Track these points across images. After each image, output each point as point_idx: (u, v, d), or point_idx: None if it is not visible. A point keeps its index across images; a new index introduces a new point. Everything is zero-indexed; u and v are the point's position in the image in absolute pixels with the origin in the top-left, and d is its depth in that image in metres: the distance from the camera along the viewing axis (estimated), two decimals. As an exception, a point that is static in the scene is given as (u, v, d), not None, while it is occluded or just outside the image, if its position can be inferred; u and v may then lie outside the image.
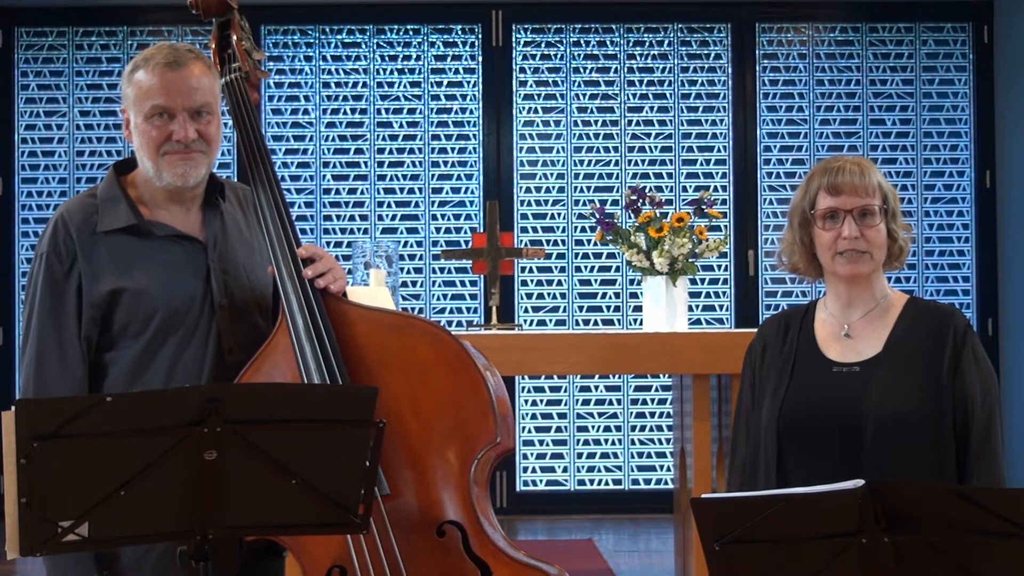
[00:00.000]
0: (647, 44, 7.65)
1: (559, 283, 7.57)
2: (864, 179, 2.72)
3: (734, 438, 2.87)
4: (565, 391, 7.56)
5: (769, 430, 2.73)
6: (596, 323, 7.54)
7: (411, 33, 7.62)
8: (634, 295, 7.46)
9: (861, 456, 2.64)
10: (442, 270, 7.54)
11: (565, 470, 7.55)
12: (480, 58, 7.61)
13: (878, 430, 2.64)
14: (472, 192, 7.59)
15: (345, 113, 7.59)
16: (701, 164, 7.61)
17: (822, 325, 2.81)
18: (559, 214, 7.59)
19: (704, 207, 4.99)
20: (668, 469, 7.47)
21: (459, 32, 7.63)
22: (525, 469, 7.55)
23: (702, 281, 7.46)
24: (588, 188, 7.59)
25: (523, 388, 7.54)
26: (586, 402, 7.55)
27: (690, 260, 4.88)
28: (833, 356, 2.77)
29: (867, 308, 2.78)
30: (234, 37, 2.91)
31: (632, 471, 7.54)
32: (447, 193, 7.58)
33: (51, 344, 2.64)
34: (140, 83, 2.66)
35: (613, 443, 7.54)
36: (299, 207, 7.50)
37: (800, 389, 2.74)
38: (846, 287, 2.78)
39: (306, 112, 7.58)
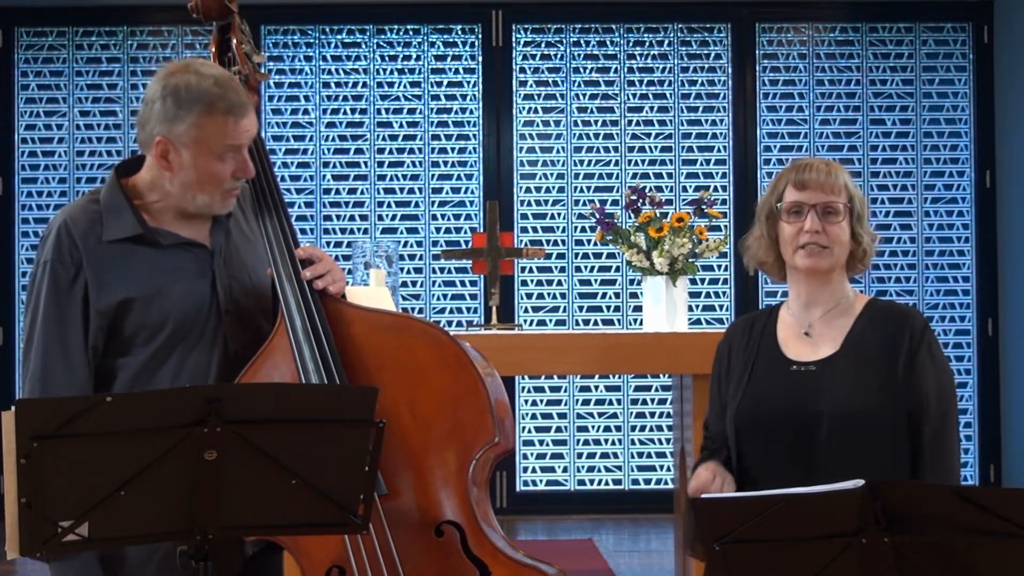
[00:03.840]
0: (647, 44, 7.65)
1: (559, 283, 7.57)
2: (830, 178, 2.79)
3: (704, 431, 2.93)
4: (565, 391, 7.56)
5: (730, 429, 2.78)
6: (596, 323, 7.54)
7: (411, 33, 7.62)
8: (634, 295, 7.46)
9: (815, 454, 2.67)
10: (442, 270, 7.55)
11: (565, 470, 7.55)
12: (480, 58, 7.61)
13: (832, 428, 2.68)
14: (472, 192, 7.59)
15: (345, 113, 7.59)
16: (701, 164, 7.61)
17: (784, 325, 2.86)
18: (559, 214, 7.59)
19: (704, 207, 4.99)
20: (668, 469, 7.47)
21: (459, 32, 7.63)
22: (525, 469, 7.55)
23: (702, 281, 7.47)
24: (588, 188, 7.59)
25: (523, 388, 7.54)
26: (586, 402, 7.55)
27: (690, 260, 4.88)
28: (792, 355, 2.81)
29: (827, 308, 2.82)
30: (234, 41, 2.91)
31: (632, 471, 7.54)
32: (447, 193, 7.58)
33: (57, 353, 2.61)
34: (211, 128, 2.60)
35: (613, 443, 7.54)
36: (299, 207, 7.51)
37: (758, 388, 2.78)
38: (806, 285, 2.82)
39: (306, 112, 7.58)
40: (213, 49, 2.93)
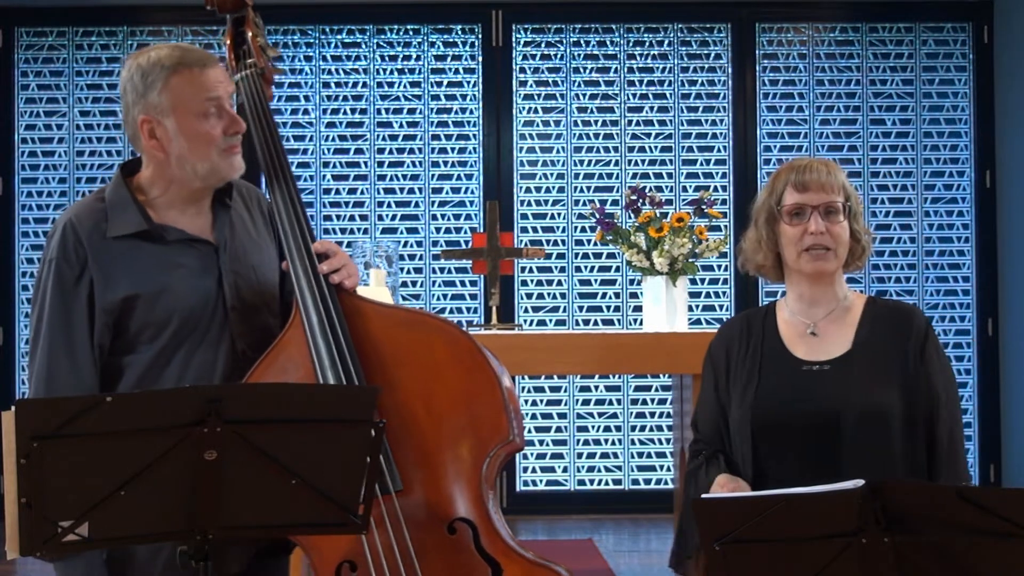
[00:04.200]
0: (647, 44, 7.65)
1: (559, 283, 7.57)
2: (830, 177, 2.79)
3: (693, 429, 2.89)
4: (565, 391, 7.56)
5: (743, 431, 2.75)
6: (596, 323, 7.54)
7: (411, 33, 7.62)
8: (634, 295, 7.46)
9: (837, 453, 2.67)
10: (442, 270, 7.55)
11: (565, 470, 7.55)
12: (480, 58, 7.61)
13: (856, 427, 2.67)
14: (472, 192, 7.59)
15: (345, 113, 7.59)
16: (701, 164, 7.61)
17: (786, 325, 2.84)
18: (559, 214, 7.59)
19: (704, 207, 4.99)
20: (668, 469, 7.47)
21: (459, 32, 7.63)
22: (525, 469, 7.55)
23: (702, 281, 7.46)
24: (588, 188, 7.59)
25: (523, 388, 7.54)
26: (586, 402, 7.55)
27: (690, 260, 4.88)
28: (800, 355, 2.79)
29: (830, 307, 2.82)
30: (249, 34, 2.92)
31: (632, 471, 7.54)
32: (447, 193, 7.58)
33: (62, 352, 2.60)
34: (182, 86, 2.62)
35: (613, 443, 7.54)
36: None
37: (770, 388, 2.76)
38: (809, 286, 2.82)
39: (306, 112, 7.58)
40: (228, 42, 2.94)
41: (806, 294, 2.82)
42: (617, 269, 7.55)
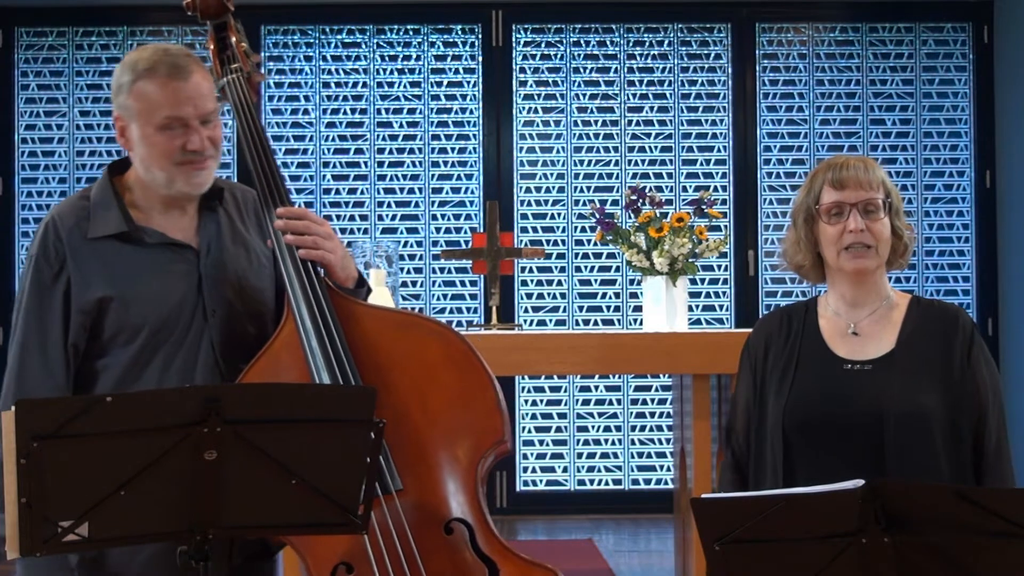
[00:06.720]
0: (647, 44, 7.65)
1: (559, 283, 7.57)
2: (868, 174, 2.75)
3: (727, 434, 2.85)
4: (565, 391, 7.56)
5: (775, 429, 2.71)
6: (596, 323, 7.54)
7: (411, 33, 7.62)
8: (634, 295, 7.46)
9: (880, 454, 2.62)
10: (442, 270, 7.55)
11: (565, 470, 7.55)
12: (480, 58, 7.62)
13: (899, 428, 2.63)
14: (472, 192, 7.59)
15: (345, 113, 7.59)
16: (701, 164, 7.61)
17: (827, 322, 2.79)
18: (559, 214, 7.59)
19: (704, 207, 4.99)
20: (668, 469, 7.47)
21: (459, 32, 7.63)
22: (525, 469, 7.55)
23: (702, 281, 7.46)
24: (588, 188, 7.59)
25: (523, 388, 7.54)
26: (586, 402, 7.55)
27: (690, 260, 4.88)
28: (842, 354, 2.75)
29: (873, 307, 2.78)
30: (233, 39, 2.90)
31: (632, 471, 7.54)
32: (447, 193, 7.58)
33: (34, 349, 2.60)
34: (147, 94, 2.59)
35: (613, 443, 7.54)
36: (299, 207, 7.49)
37: (808, 387, 2.72)
38: (851, 285, 2.77)
39: (306, 112, 7.58)
40: (212, 47, 2.92)
41: (848, 294, 2.78)
42: (617, 269, 7.55)
